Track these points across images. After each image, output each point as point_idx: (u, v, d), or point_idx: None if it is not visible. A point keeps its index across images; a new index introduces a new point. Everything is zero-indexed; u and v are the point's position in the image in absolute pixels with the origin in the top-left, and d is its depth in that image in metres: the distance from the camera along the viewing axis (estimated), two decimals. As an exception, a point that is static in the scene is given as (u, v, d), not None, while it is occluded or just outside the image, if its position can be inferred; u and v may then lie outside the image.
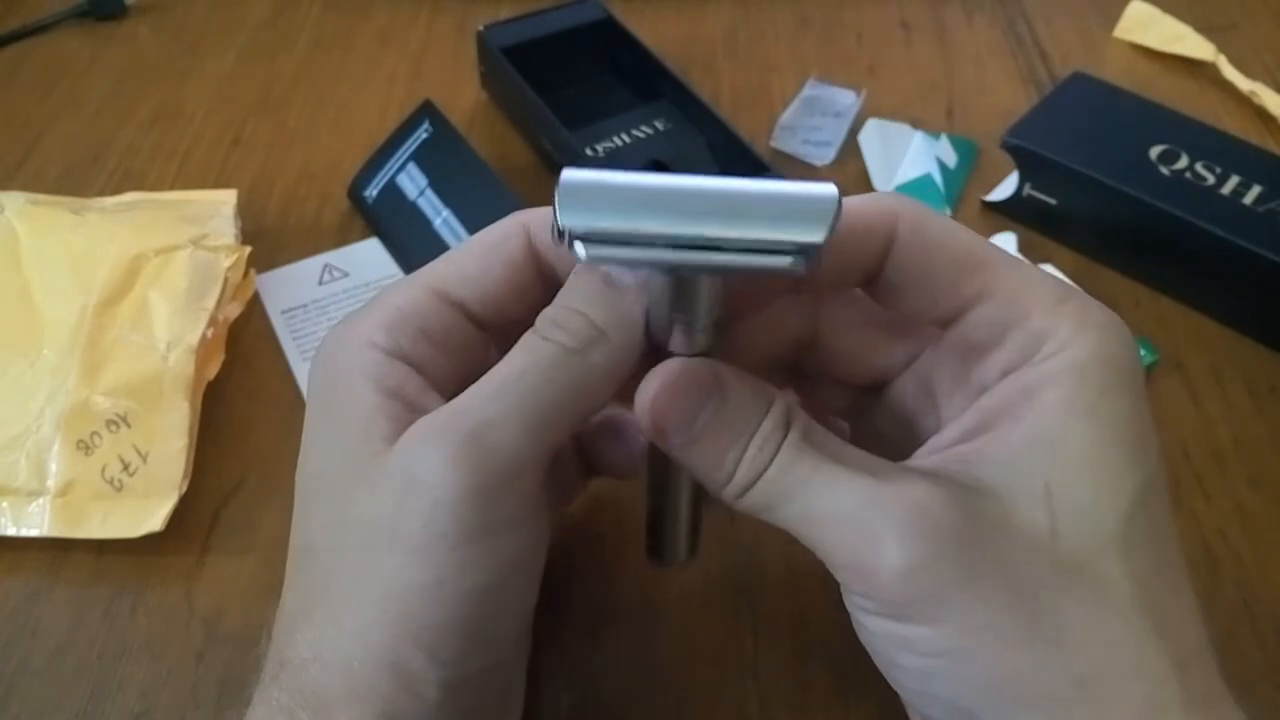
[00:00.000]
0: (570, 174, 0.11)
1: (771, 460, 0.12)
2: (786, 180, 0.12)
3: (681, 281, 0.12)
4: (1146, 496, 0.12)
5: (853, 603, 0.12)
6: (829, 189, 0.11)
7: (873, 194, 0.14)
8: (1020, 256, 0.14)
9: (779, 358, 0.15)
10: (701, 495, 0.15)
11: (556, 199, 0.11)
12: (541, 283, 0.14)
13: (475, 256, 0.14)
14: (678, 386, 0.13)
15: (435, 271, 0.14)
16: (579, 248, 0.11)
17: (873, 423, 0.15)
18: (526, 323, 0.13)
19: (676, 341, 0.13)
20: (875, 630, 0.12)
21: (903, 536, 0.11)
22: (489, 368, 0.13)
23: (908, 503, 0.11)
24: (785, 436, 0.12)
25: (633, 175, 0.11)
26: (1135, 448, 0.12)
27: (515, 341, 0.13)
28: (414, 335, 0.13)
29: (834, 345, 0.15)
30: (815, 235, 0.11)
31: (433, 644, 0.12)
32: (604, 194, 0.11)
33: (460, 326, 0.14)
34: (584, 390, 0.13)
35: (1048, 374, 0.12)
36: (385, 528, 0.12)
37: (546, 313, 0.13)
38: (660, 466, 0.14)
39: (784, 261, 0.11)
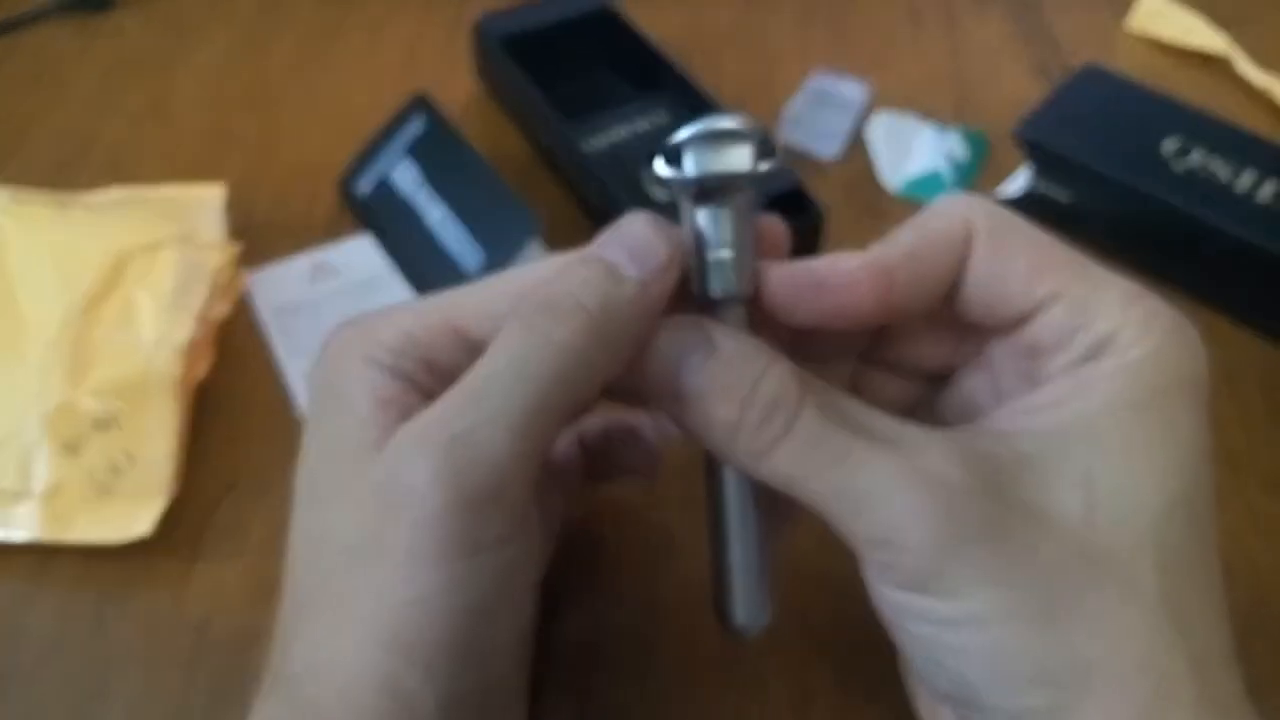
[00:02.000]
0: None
1: (788, 431, 0.12)
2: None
3: (706, 220, 0.13)
4: (1189, 500, 0.12)
5: (872, 573, 0.12)
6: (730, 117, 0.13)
7: (944, 202, 0.14)
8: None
9: (850, 345, 0.15)
10: (768, 538, 0.14)
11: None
12: None
13: (506, 298, 0.13)
14: (659, 339, 0.13)
15: (457, 304, 0.13)
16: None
17: (939, 418, 0.15)
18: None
19: (724, 280, 0.13)
20: (889, 598, 0.12)
21: (927, 510, 0.11)
22: None
23: (936, 476, 0.11)
24: (802, 405, 0.12)
25: None
26: (1183, 450, 0.12)
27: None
28: (418, 363, 0.13)
29: (901, 335, 0.15)
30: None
31: (426, 661, 0.12)
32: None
33: (470, 362, 0.13)
34: (569, 389, 0.12)
35: (1105, 370, 0.12)
36: (369, 543, 0.12)
37: (533, 298, 0.12)
38: (718, 502, 0.14)
39: (653, 167, 0.13)
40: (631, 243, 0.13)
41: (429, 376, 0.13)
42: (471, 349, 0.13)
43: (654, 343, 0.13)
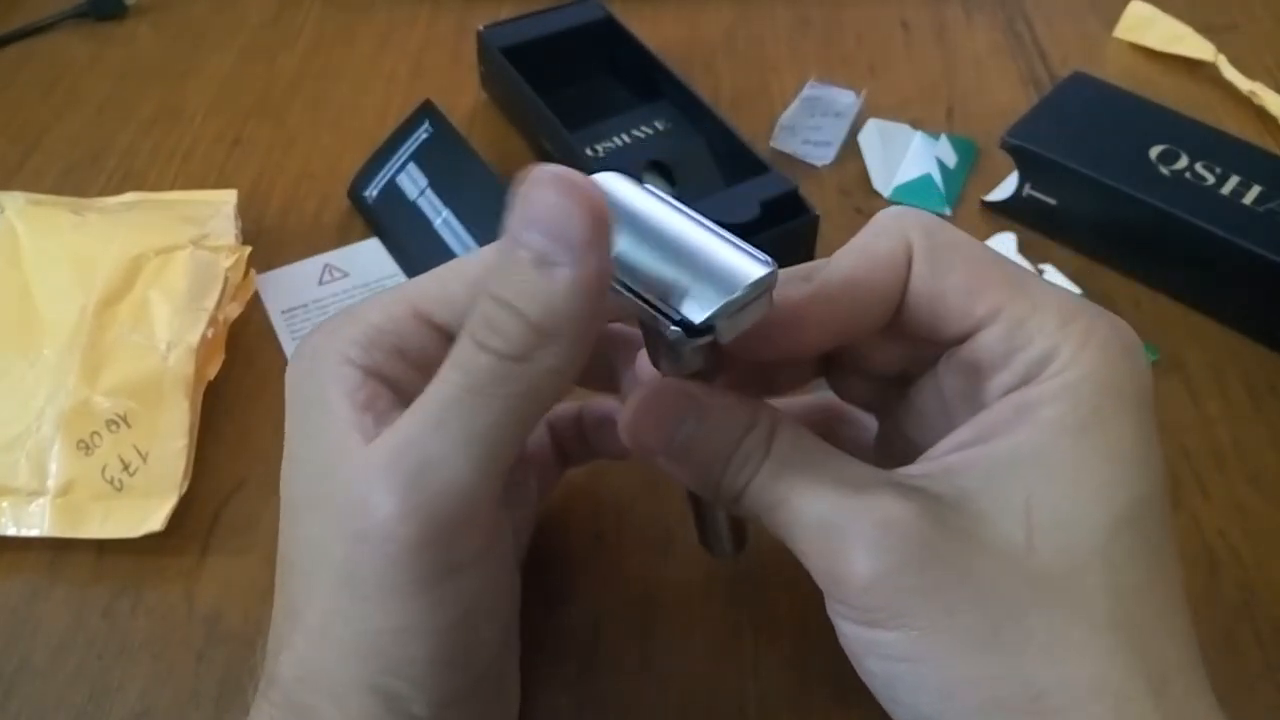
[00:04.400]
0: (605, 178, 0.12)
1: (757, 472, 0.13)
2: (731, 244, 0.12)
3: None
4: (1137, 514, 0.12)
5: (832, 609, 0.13)
6: (746, 272, 0.11)
7: (883, 218, 0.13)
8: (1027, 266, 0.14)
9: (801, 373, 0.15)
10: None
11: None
12: None
13: (464, 282, 0.13)
14: (649, 408, 0.13)
15: (420, 291, 0.14)
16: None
17: (898, 422, 0.15)
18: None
19: (663, 363, 0.13)
20: (847, 634, 0.13)
21: (870, 547, 0.12)
22: None
23: (879, 515, 0.12)
24: (769, 449, 0.13)
25: (646, 198, 0.12)
26: (1129, 465, 0.12)
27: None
28: (389, 353, 0.13)
29: (858, 345, 0.15)
30: (696, 311, 0.11)
31: (412, 676, 0.12)
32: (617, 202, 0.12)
33: (438, 346, 0.13)
34: (531, 401, 0.12)
35: (1045, 393, 0.12)
36: (348, 568, 0.12)
37: (481, 309, 0.11)
38: None
39: (667, 329, 0.11)
40: (548, 221, 0.11)
41: (401, 365, 0.13)
42: (436, 333, 0.13)
43: (641, 408, 0.13)
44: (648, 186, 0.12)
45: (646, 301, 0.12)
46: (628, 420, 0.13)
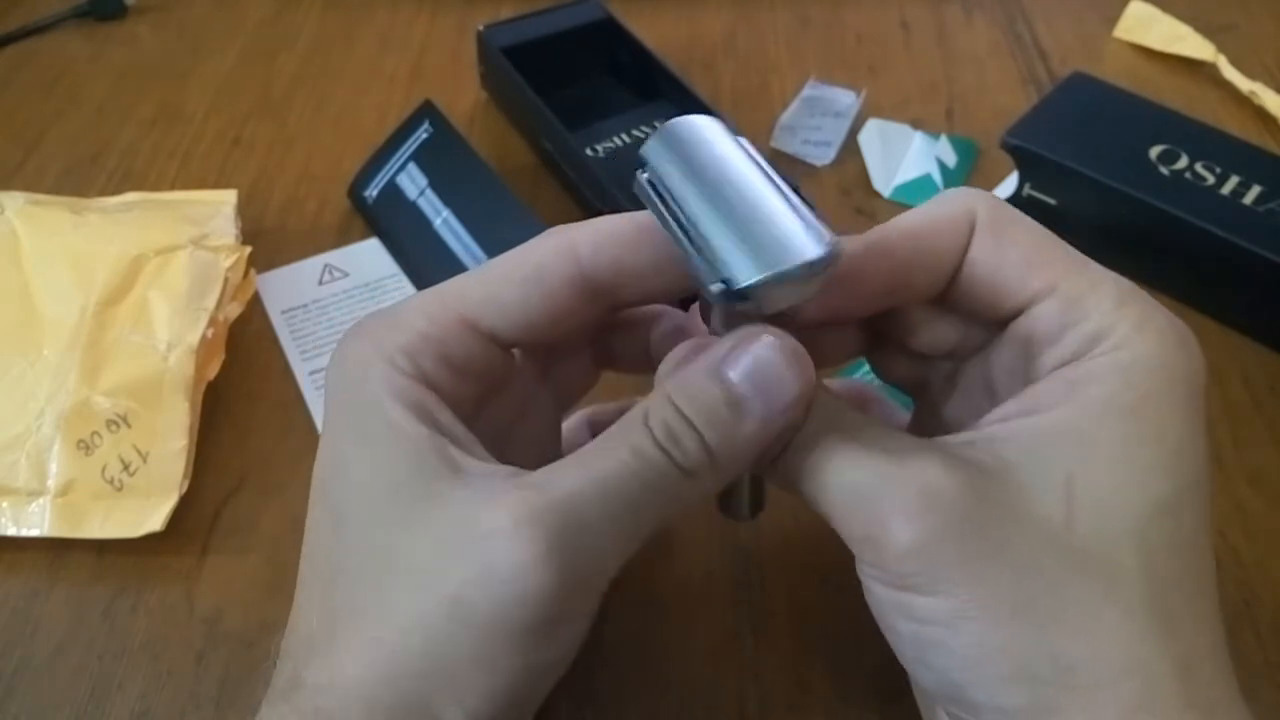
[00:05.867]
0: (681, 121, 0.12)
1: (792, 437, 0.13)
2: (800, 218, 0.11)
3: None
4: (1178, 503, 0.12)
5: (863, 571, 0.13)
6: (811, 248, 0.11)
7: (948, 192, 0.14)
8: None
9: (850, 343, 0.15)
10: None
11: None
12: (585, 305, 0.14)
13: (512, 285, 0.13)
14: (685, 353, 0.13)
15: (465, 296, 0.13)
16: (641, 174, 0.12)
17: (938, 404, 0.15)
18: (564, 344, 0.13)
19: (711, 321, 0.13)
20: (878, 594, 0.13)
21: (910, 515, 0.12)
22: (509, 387, 0.13)
23: (918, 483, 0.12)
24: (807, 413, 0.13)
25: (734, 149, 0.12)
26: (1173, 453, 0.12)
27: (549, 357, 0.13)
28: (436, 361, 0.13)
29: (908, 319, 0.15)
30: (742, 275, 0.11)
31: (473, 706, 0.12)
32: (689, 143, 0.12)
33: (484, 353, 0.13)
34: (679, 508, 0.12)
35: (1095, 370, 0.12)
36: (444, 589, 0.11)
37: (661, 413, 0.12)
38: None
39: (711, 284, 0.11)
40: (763, 378, 0.12)
41: (447, 371, 0.13)
42: (482, 338, 0.13)
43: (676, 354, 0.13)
44: (741, 140, 0.12)
45: (699, 250, 0.11)
46: (663, 374, 0.13)
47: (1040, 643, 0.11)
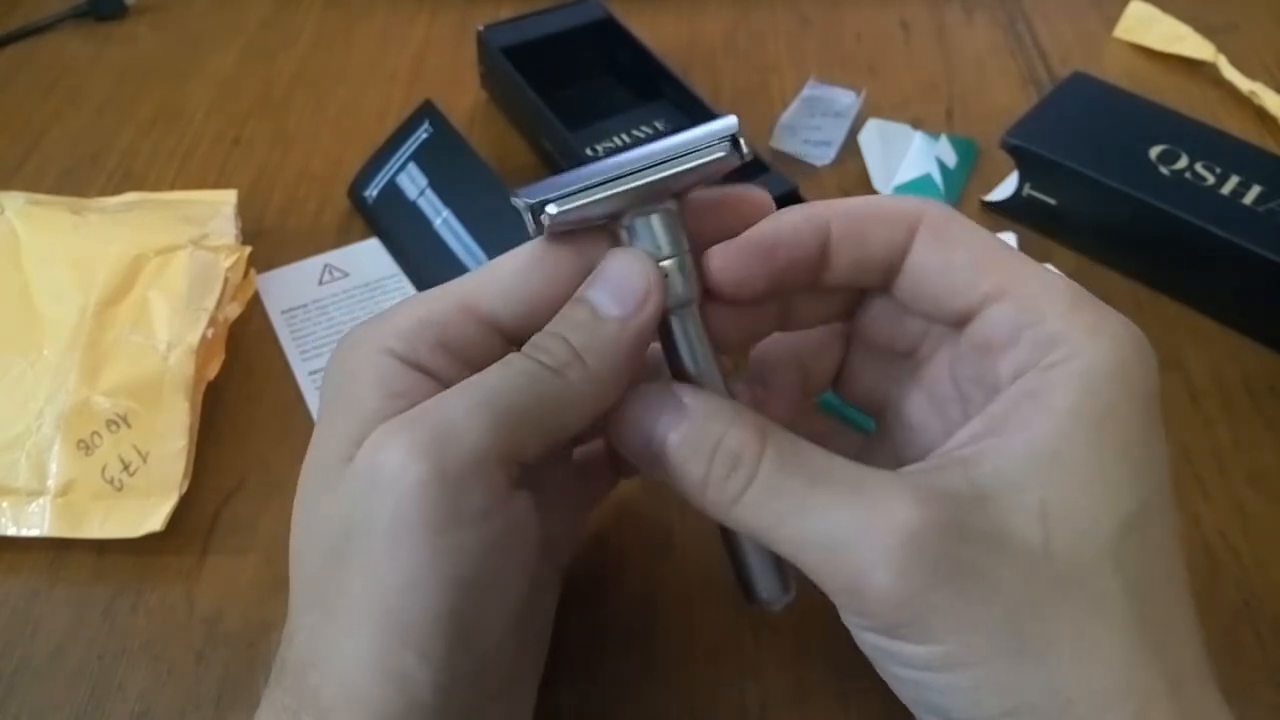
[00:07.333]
0: (520, 190, 0.13)
1: (750, 483, 0.12)
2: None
3: (646, 220, 0.13)
4: (1145, 512, 0.12)
5: (846, 618, 0.13)
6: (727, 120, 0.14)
7: (899, 195, 0.14)
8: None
9: (826, 319, 0.16)
10: None
11: (515, 199, 0.13)
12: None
13: (513, 272, 0.14)
14: (629, 406, 0.13)
15: (467, 285, 0.14)
16: (549, 210, 0.13)
17: (907, 412, 0.15)
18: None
19: (671, 293, 0.14)
20: (869, 642, 0.13)
21: (891, 565, 0.11)
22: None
23: (895, 527, 0.11)
24: (761, 458, 0.12)
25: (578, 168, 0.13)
26: (1139, 464, 0.12)
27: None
28: (432, 345, 0.13)
29: (876, 315, 0.15)
30: (731, 127, 0.13)
31: (419, 642, 0.12)
32: (556, 183, 0.13)
33: (484, 340, 0.13)
34: (554, 405, 0.12)
35: (1056, 380, 0.12)
36: (354, 529, 0.12)
37: (534, 338, 0.13)
38: None
39: (720, 151, 0.13)
40: (613, 282, 0.13)
41: (445, 356, 0.13)
42: (483, 324, 0.14)
43: (625, 408, 0.13)
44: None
45: (683, 154, 0.13)
46: (610, 421, 0.13)
47: (1037, 677, 0.11)
